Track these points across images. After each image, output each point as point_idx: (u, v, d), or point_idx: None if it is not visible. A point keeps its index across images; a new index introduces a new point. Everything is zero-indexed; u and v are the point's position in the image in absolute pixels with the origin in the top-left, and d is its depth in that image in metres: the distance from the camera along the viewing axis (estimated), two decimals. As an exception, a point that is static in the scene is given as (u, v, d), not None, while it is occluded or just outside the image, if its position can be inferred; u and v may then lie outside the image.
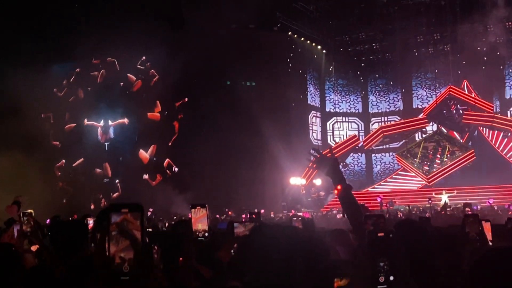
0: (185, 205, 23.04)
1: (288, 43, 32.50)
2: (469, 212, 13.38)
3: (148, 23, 25.34)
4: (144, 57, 31.26)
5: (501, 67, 34.47)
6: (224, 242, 4.33)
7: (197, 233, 4.16)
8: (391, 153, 34.34)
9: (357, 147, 32.69)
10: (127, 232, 2.21)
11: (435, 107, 31.82)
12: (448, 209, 21.21)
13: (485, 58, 33.26)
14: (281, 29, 31.73)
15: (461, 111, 31.14)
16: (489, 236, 3.86)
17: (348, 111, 38.73)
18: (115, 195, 30.83)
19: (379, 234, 1.95)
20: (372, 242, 1.94)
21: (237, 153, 27.13)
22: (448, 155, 29.96)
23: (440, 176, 29.66)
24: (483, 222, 3.86)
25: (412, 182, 31.36)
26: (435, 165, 30.00)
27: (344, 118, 38.40)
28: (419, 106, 35.75)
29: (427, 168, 30.00)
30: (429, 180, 29.22)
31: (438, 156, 30.29)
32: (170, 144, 30.31)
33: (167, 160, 30.29)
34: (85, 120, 32.44)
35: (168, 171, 30.32)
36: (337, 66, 37.78)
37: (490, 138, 31.67)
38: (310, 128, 35.80)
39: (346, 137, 34.93)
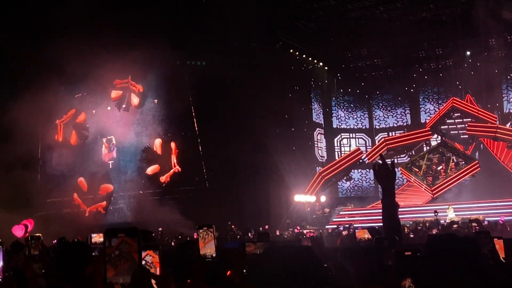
0: (190, 224, 23.05)
1: (290, 60, 32.61)
2: (477, 228, 13.25)
3: (147, 46, 25.46)
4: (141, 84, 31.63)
5: (501, 80, 34.57)
6: (235, 261, 4.30)
7: (205, 254, 4.13)
8: (399, 168, 34.17)
9: (359, 162, 32.34)
10: (125, 256, 2.22)
11: (438, 119, 31.79)
12: (454, 225, 21.02)
13: (486, 72, 33.36)
14: (282, 47, 31.85)
15: (464, 124, 31.07)
16: (501, 253, 3.77)
17: (355, 127, 38.71)
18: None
19: (406, 253, 1.90)
20: (398, 262, 1.90)
21: (241, 170, 27.06)
22: (453, 167, 29.83)
23: (445, 188, 29.47)
24: (495, 239, 3.78)
25: (418, 197, 31.18)
26: (439, 177, 29.85)
27: (351, 134, 38.37)
28: (427, 121, 35.64)
29: (431, 180, 29.85)
30: (433, 192, 29.05)
31: (443, 167, 30.15)
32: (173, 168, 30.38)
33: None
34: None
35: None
36: (340, 83, 37.90)
37: (495, 152, 31.56)
38: (316, 145, 35.77)
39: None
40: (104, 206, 31.59)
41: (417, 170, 30.50)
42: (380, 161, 4.02)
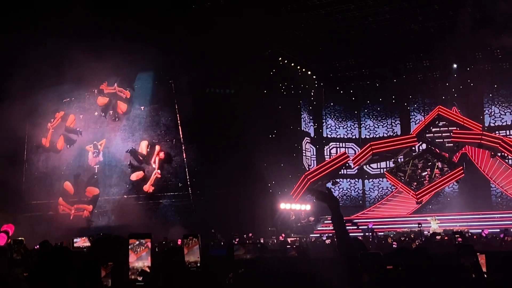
0: (173, 229, 22.96)
1: (279, 69, 32.66)
2: (459, 240, 13.34)
3: (136, 51, 25.40)
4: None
5: (485, 94, 34.96)
6: (222, 267, 4.29)
7: (190, 264, 4.10)
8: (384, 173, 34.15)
9: (346, 165, 32.15)
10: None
11: (424, 126, 32.02)
12: (437, 236, 21.12)
13: (471, 85, 33.72)
14: (271, 55, 31.85)
15: (449, 132, 31.27)
16: (484, 268, 3.81)
17: (345, 136, 38.81)
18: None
19: (388, 267, 1.91)
20: (380, 275, 1.91)
21: (226, 177, 26.96)
22: (437, 173, 30.00)
23: (429, 193, 29.65)
24: (477, 254, 3.81)
25: (403, 207, 31.37)
26: (424, 182, 30.02)
27: (340, 143, 38.44)
28: (415, 129, 35.77)
29: (415, 184, 30.01)
30: (417, 197, 29.19)
31: (428, 173, 30.33)
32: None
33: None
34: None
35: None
36: (329, 92, 38.00)
37: (479, 164, 31.84)
38: (304, 154, 35.75)
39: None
40: (90, 210, 31.43)
41: (402, 175, 30.65)
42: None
